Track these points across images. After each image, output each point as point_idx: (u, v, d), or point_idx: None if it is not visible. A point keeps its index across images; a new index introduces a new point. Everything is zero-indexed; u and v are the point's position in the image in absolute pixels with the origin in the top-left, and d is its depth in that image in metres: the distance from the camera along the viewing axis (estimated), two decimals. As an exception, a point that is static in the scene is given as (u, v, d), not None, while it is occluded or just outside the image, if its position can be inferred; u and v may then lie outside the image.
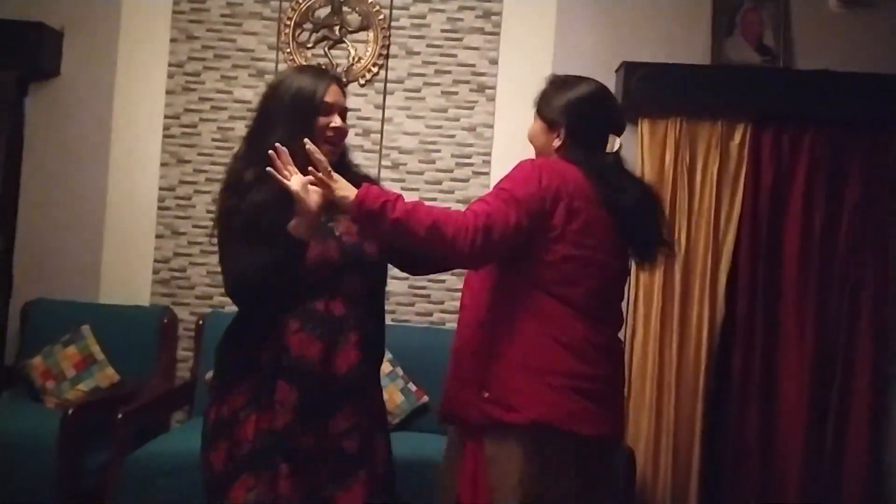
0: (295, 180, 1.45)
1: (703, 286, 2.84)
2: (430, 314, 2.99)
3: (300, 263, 1.51)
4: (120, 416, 2.23)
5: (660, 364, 2.83)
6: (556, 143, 1.66)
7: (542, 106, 1.71)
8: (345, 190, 1.46)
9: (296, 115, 1.57)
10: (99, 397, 2.58)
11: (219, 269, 2.88)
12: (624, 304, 2.85)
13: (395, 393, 2.71)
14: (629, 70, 2.83)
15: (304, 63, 2.96)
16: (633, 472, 2.50)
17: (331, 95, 1.60)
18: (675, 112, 2.87)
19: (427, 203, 1.57)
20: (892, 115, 2.76)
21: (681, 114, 2.87)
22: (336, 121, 1.60)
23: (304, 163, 1.48)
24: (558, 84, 1.72)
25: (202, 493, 1.60)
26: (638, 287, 2.88)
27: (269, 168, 1.45)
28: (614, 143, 1.70)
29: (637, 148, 2.89)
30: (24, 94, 3.03)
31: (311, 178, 1.45)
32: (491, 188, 1.66)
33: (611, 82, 2.94)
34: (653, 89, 2.84)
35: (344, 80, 2.93)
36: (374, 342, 1.65)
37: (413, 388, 2.74)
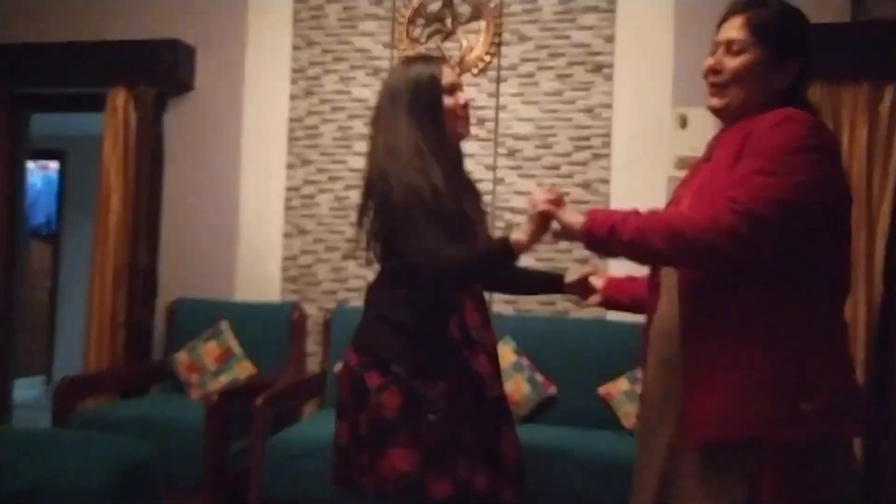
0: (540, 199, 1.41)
1: (856, 266, 2.58)
2: (554, 303, 2.91)
3: (506, 269, 1.58)
4: (260, 401, 2.32)
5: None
6: (782, 82, 1.29)
7: (769, 28, 1.28)
8: (571, 216, 1.34)
9: (423, 100, 1.58)
10: (239, 386, 2.71)
11: (342, 266, 3.07)
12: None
13: (522, 383, 2.65)
14: (758, 36, 2.64)
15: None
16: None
17: (448, 76, 1.63)
18: (813, 76, 2.65)
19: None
20: None
21: (819, 78, 2.65)
22: (462, 97, 1.63)
23: (447, 153, 1.58)
24: (776, 4, 1.32)
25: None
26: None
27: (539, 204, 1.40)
28: None
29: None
30: (162, 108, 3.27)
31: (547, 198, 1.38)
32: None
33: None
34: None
35: (457, 70, 2.98)
36: None
37: (540, 378, 2.67)
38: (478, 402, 1.56)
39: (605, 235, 1.27)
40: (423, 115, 1.57)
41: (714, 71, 1.33)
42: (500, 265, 1.54)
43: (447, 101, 1.59)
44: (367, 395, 1.53)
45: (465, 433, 1.53)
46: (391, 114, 1.59)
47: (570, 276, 1.75)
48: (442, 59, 1.73)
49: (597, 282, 1.71)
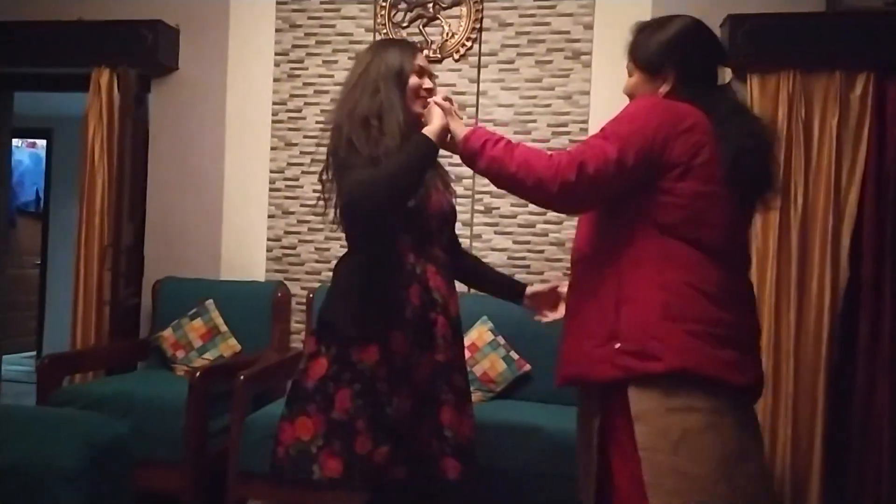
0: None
1: (823, 248, 2.67)
2: (531, 284, 2.96)
3: (430, 165, 1.62)
4: (241, 378, 2.38)
5: (776, 332, 2.69)
6: (664, 89, 1.51)
7: (640, 54, 1.55)
8: (458, 124, 1.60)
9: (390, 77, 1.66)
10: (222, 364, 2.77)
11: (325, 247, 3.12)
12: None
13: (498, 362, 2.73)
14: (735, 23, 2.69)
15: (400, 41, 3.03)
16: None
17: (421, 61, 1.72)
18: (788, 65, 2.70)
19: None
20: None
21: (794, 67, 2.70)
22: (427, 83, 1.71)
23: (407, 121, 1.64)
24: (649, 28, 1.56)
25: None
26: (751, 252, 2.73)
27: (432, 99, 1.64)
28: (725, 76, 1.59)
29: (748, 104, 2.75)
30: (146, 89, 3.29)
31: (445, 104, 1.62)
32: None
33: (715, 38, 2.81)
34: (762, 43, 2.69)
35: (438, 55, 3.01)
36: None
37: (515, 356, 2.75)
38: (430, 367, 1.61)
39: (477, 148, 1.51)
40: (388, 88, 1.65)
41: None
42: (423, 161, 1.57)
43: (413, 79, 1.68)
44: (301, 361, 1.63)
45: (382, 405, 1.54)
46: (360, 84, 1.67)
47: (531, 290, 1.86)
48: (418, 47, 1.82)
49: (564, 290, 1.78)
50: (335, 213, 1.67)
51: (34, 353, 5.43)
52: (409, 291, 1.61)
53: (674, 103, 1.46)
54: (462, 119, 1.64)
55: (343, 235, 1.75)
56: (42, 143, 5.51)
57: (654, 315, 1.40)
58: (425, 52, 3.04)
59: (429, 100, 1.64)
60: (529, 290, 1.88)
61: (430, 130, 1.58)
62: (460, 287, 1.82)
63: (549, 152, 1.48)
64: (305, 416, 1.57)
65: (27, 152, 5.80)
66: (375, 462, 1.54)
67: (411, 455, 1.59)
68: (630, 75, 1.58)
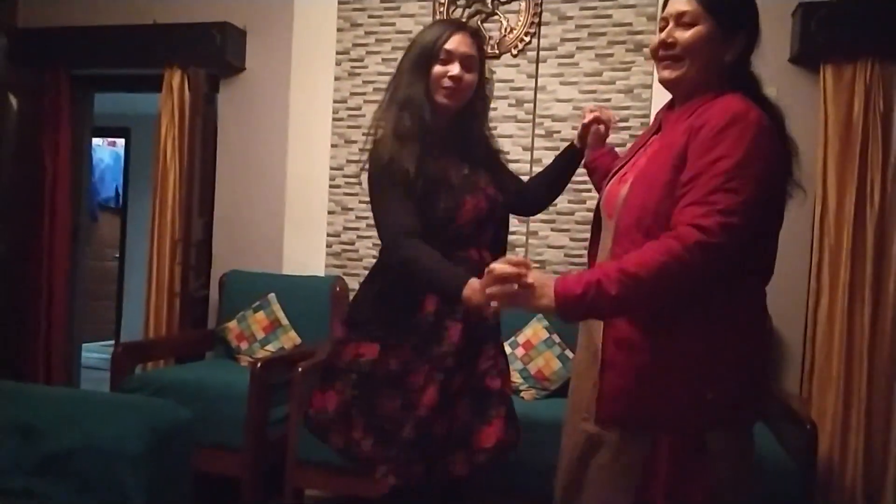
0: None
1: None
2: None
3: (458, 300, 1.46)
4: (300, 369, 2.44)
5: (849, 335, 2.56)
6: (730, 56, 1.31)
7: (728, 6, 1.31)
8: (539, 300, 1.23)
9: (416, 63, 1.61)
10: (283, 355, 2.85)
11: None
12: (805, 268, 2.66)
13: (552, 360, 2.70)
14: (808, 11, 2.58)
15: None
16: (814, 450, 2.27)
17: (452, 43, 1.59)
18: (865, 54, 2.57)
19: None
20: None
21: (872, 55, 2.56)
22: (453, 69, 1.59)
23: (426, 116, 1.57)
24: None
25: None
26: (822, 250, 2.62)
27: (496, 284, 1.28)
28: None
29: (819, 97, 2.63)
30: (216, 89, 3.41)
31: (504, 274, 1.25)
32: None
33: (786, 27, 2.70)
34: (837, 31, 2.56)
35: (496, 51, 2.99)
36: None
37: (570, 354, 2.71)
38: (430, 374, 1.59)
39: (587, 303, 1.19)
40: (414, 74, 1.60)
41: (666, 44, 1.33)
42: (437, 292, 1.55)
43: (436, 67, 1.59)
44: (333, 344, 1.74)
45: (376, 400, 1.62)
46: (398, 71, 1.67)
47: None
48: (462, 27, 1.66)
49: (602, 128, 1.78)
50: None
51: (112, 341, 5.71)
52: (425, 298, 1.60)
53: (762, 109, 1.26)
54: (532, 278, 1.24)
55: None
56: (121, 141, 5.79)
57: (743, 364, 1.32)
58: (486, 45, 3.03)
59: (491, 267, 1.26)
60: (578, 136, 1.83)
61: (469, 296, 1.39)
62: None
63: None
64: (333, 391, 1.68)
65: (108, 150, 6.11)
66: (363, 450, 1.63)
67: (426, 456, 1.60)
68: (689, 24, 1.30)
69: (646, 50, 2.89)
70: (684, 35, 1.30)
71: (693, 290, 1.22)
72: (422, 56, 1.61)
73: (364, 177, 1.68)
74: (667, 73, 1.35)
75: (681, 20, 1.31)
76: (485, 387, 1.65)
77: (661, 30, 1.36)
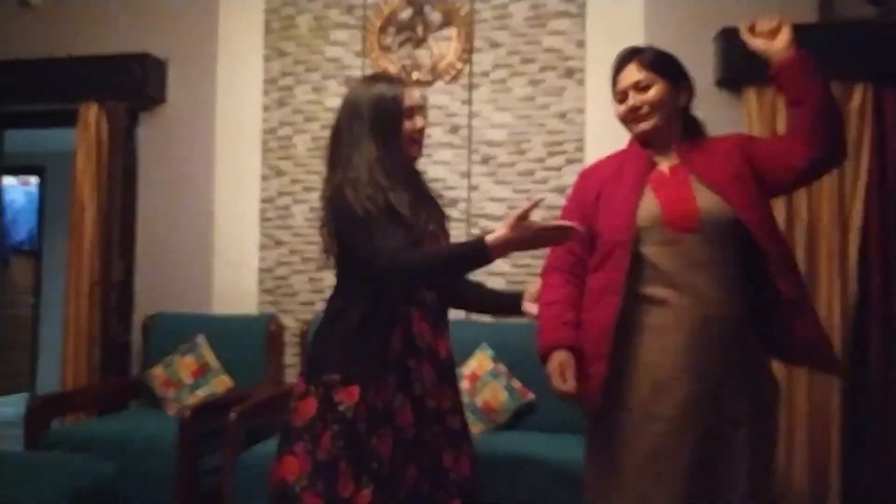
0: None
1: (830, 264, 2.61)
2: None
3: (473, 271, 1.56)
4: (233, 415, 2.30)
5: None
6: (683, 101, 1.62)
7: (660, 62, 1.60)
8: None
9: (380, 122, 1.57)
10: (214, 401, 2.69)
11: (318, 277, 3.05)
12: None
13: (499, 391, 2.64)
14: (729, 37, 2.66)
15: (388, 67, 3.00)
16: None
17: (411, 99, 1.61)
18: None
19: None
20: None
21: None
22: (419, 122, 1.63)
23: (403, 172, 1.58)
24: (650, 47, 1.69)
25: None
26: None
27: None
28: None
29: (745, 118, 2.71)
30: (135, 122, 3.25)
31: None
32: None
33: (708, 52, 2.78)
34: (757, 55, 2.64)
35: (429, 78, 2.98)
36: None
37: (517, 384, 2.66)
38: (413, 412, 1.55)
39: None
40: (382, 135, 1.56)
41: (635, 109, 1.58)
42: (467, 265, 1.52)
43: (406, 124, 1.60)
44: (291, 400, 1.58)
45: (363, 446, 1.49)
46: (352, 131, 1.58)
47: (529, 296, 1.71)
48: (404, 81, 1.72)
49: None
50: (334, 258, 1.61)
51: (27, 393, 5.34)
52: (392, 335, 1.55)
53: None
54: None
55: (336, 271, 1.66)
56: (35, 180, 5.48)
57: None
58: (414, 74, 3.00)
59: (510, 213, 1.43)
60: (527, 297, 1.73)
61: (493, 240, 1.43)
62: (458, 315, 1.75)
63: None
64: (292, 455, 1.52)
65: (22, 190, 5.78)
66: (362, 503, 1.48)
67: (400, 499, 1.51)
68: (646, 87, 1.57)
69: (577, 75, 2.92)
70: (646, 97, 1.57)
71: None
72: (389, 114, 1.58)
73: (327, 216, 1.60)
74: (643, 126, 1.59)
75: (638, 87, 1.57)
76: (448, 426, 1.62)
77: (621, 101, 1.61)
